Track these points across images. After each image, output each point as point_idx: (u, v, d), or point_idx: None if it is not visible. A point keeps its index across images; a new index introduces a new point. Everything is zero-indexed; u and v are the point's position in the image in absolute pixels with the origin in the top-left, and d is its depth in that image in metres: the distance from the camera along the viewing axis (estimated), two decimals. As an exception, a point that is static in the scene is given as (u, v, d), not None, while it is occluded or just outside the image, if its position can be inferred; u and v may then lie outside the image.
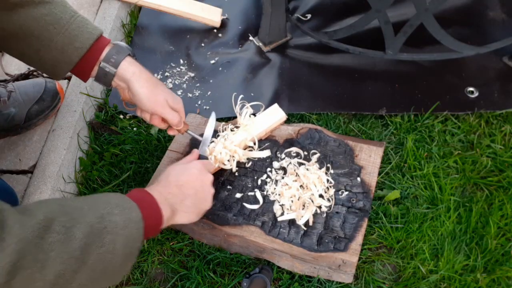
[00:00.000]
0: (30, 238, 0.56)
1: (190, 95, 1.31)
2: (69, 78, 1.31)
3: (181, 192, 0.86)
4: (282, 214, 1.02)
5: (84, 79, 0.92)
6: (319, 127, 1.15)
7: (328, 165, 1.08)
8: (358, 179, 1.05)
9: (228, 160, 1.09)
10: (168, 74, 1.37)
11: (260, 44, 1.39)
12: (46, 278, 0.57)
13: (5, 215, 0.55)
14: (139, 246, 0.71)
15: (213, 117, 1.08)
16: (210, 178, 0.94)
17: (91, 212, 0.66)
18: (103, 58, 0.88)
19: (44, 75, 1.26)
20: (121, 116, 1.28)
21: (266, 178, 1.09)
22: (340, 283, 0.94)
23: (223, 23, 1.48)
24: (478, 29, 1.34)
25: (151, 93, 0.91)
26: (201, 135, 1.12)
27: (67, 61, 0.87)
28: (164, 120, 0.97)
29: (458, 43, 1.14)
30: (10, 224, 0.55)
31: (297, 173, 1.06)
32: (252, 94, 1.28)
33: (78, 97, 1.26)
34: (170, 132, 1.02)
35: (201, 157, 1.04)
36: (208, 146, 1.07)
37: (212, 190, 0.93)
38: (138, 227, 0.71)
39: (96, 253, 0.63)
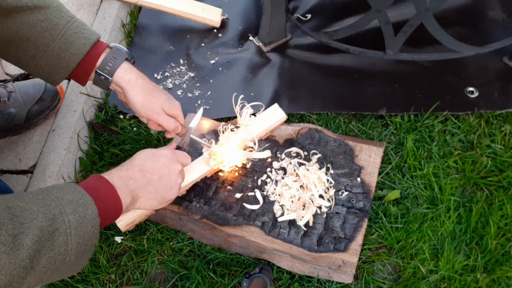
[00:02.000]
0: None
1: (190, 95, 1.31)
2: (69, 79, 1.31)
3: (145, 177, 0.84)
4: (282, 214, 1.02)
5: (82, 83, 0.92)
6: (319, 127, 1.15)
7: (328, 165, 1.08)
8: (358, 179, 1.05)
9: (228, 162, 1.09)
10: (168, 74, 1.37)
11: (260, 44, 1.39)
12: None
13: None
14: (95, 242, 0.69)
15: (200, 112, 1.07)
16: (178, 168, 0.90)
17: (41, 213, 0.62)
18: (99, 65, 0.87)
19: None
20: (121, 116, 1.28)
21: (266, 178, 1.09)
22: (340, 283, 0.94)
23: (223, 23, 1.47)
24: (478, 29, 1.34)
25: (146, 101, 0.90)
26: (200, 136, 1.12)
27: (63, 67, 0.86)
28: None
29: (458, 43, 1.14)
30: None
31: (297, 174, 1.06)
32: (252, 94, 1.28)
33: (78, 97, 1.26)
34: (168, 135, 1.01)
35: (179, 149, 1.02)
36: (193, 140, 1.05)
37: (179, 180, 0.90)
38: (94, 225, 0.69)
39: (47, 256, 0.61)
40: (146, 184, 0.84)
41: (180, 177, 0.91)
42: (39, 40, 0.83)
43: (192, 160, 1.03)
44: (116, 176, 0.79)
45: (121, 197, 0.77)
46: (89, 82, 0.93)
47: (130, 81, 0.89)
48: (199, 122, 1.08)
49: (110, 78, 0.88)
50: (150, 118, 0.94)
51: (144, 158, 0.87)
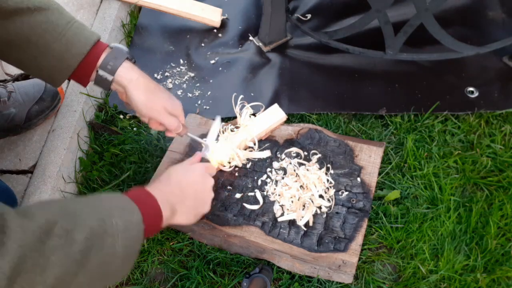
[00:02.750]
0: (31, 242, 0.55)
1: (190, 95, 1.31)
2: (69, 78, 1.31)
3: (183, 193, 0.86)
4: (282, 214, 1.02)
5: (83, 84, 0.92)
6: (319, 127, 1.15)
7: (328, 165, 1.08)
8: (358, 179, 1.05)
9: (229, 162, 1.09)
10: (168, 74, 1.37)
11: (260, 44, 1.39)
12: (47, 282, 0.56)
13: (6, 219, 0.55)
14: (139, 248, 0.71)
15: (218, 120, 1.08)
16: (211, 182, 0.94)
17: (91, 214, 0.65)
18: (100, 65, 0.88)
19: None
20: (121, 116, 1.28)
21: (266, 178, 1.09)
22: (340, 283, 0.94)
23: (223, 23, 1.48)
24: (478, 29, 1.34)
25: (148, 100, 0.91)
26: (201, 136, 1.12)
27: (65, 68, 0.86)
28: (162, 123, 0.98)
29: (458, 43, 1.14)
30: (12, 228, 0.54)
31: (297, 174, 1.06)
32: (252, 94, 1.28)
33: (78, 97, 1.26)
34: (169, 135, 1.02)
35: (202, 160, 1.04)
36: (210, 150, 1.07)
37: (212, 194, 0.94)
38: (139, 229, 0.71)
39: (96, 256, 0.63)
40: (184, 199, 0.86)
41: (212, 191, 0.94)
42: (40, 41, 0.83)
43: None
44: (157, 190, 0.81)
45: (163, 209, 0.79)
46: (89, 83, 0.93)
47: (132, 80, 0.89)
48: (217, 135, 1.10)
49: (112, 77, 0.88)
50: (152, 117, 0.94)
51: (180, 174, 0.89)
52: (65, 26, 0.85)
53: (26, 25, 0.82)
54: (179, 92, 1.32)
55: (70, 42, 0.85)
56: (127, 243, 0.68)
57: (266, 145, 1.14)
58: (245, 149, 1.12)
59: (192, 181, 0.89)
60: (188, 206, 0.87)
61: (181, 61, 1.40)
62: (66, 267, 0.59)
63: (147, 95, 0.91)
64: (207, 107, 1.28)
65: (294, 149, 1.12)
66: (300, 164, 1.09)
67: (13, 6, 0.80)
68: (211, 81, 1.34)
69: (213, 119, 1.21)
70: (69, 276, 0.59)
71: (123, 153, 1.19)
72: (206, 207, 0.92)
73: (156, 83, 0.95)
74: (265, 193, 1.06)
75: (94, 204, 0.69)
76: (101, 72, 0.88)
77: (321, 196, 1.03)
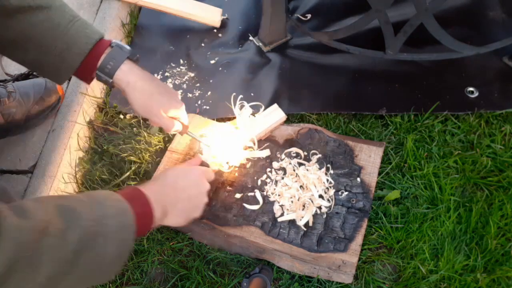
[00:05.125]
0: (26, 242, 0.55)
1: (190, 95, 1.31)
2: (69, 78, 1.31)
3: (176, 195, 0.86)
4: (282, 214, 1.02)
5: (87, 82, 0.92)
6: (319, 127, 1.15)
7: (328, 165, 1.08)
8: (358, 179, 1.05)
9: (227, 163, 1.09)
10: (168, 74, 1.37)
11: (260, 44, 1.39)
12: (37, 281, 0.57)
13: (1, 217, 0.55)
14: (130, 249, 0.71)
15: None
16: (207, 187, 0.93)
17: (85, 214, 0.65)
18: (99, 67, 0.88)
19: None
20: (121, 116, 1.28)
21: (266, 178, 1.09)
22: (340, 283, 0.94)
23: (223, 23, 1.47)
24: (478, 29, 1.34)
25: (144, 104, 0.91)
26: (201, 135, 1.12)
27: (67, 67, 0.86)
28: None
29: (458, 43, 1.14)
30: (7, 228, 0.54)
31: (296, 174, 1.06)
32: (252, 94, 1.28)
33: (78, 97, 1.26)
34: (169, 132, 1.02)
35: (202, 164, 1.04)
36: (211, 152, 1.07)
37: (205, 200, 0.93)
38: (130, 231, 0.71)
39: (88, 256, 0.63)
40: (176, 202, 0.86)
41: (207, 196, 0.93)
42: (42, 40, 0.83)
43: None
44: (151, 191, 0.80)
45: (155, 210, 0.79)
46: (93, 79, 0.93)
47: (129, 84, 0.89)
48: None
49: (110, 80, 0.89)
50: (149, 119, 0.95)
51: (177, 176, 0.89)
52: (67, 25, 0.84)
53: (27, 24, 0.82)
54: (179, 92, 1.32)
55: (71, 41, 0.85)
56: (118, 244, 0.68)
57: (266, 145, 1.13)
58: (245, 149, 1.12)
59: (187, 185, 0.89)
60: (179, 210, 0.86)
61: (181, 61, 1.40)
62: (58, 267, 0.59)
63: (143, 99, 0.91)
64: (207, 107, 1.28)
65: (294, 149, 1.12)
66: (300, 164, 1.09)
67: (15, 5, 0.80)
68: (211, 81, 1.34)
69: (215, 119, 1.22)
70: (60, 276, 0.60)
71: (123, 153, 1.19)
72: (197, 212, 0.92)
73: (158, 83, 0.94)
74: (265, 193, 1.06)
75: (89, 203, 0.68)
76: (100, 74, 0.88)
77: (321, 196, 1.03)
